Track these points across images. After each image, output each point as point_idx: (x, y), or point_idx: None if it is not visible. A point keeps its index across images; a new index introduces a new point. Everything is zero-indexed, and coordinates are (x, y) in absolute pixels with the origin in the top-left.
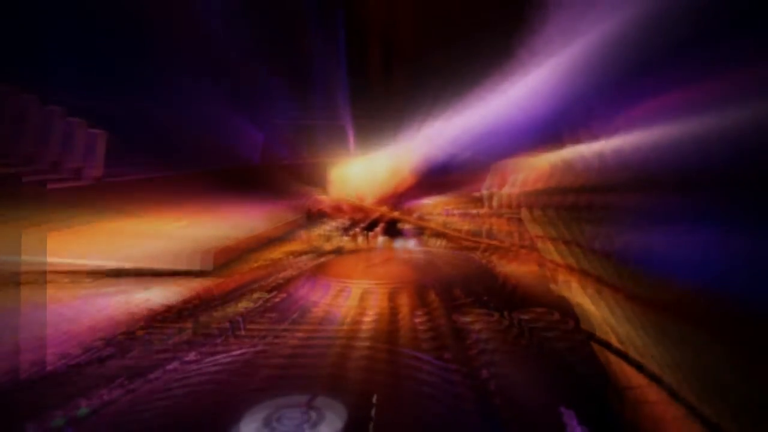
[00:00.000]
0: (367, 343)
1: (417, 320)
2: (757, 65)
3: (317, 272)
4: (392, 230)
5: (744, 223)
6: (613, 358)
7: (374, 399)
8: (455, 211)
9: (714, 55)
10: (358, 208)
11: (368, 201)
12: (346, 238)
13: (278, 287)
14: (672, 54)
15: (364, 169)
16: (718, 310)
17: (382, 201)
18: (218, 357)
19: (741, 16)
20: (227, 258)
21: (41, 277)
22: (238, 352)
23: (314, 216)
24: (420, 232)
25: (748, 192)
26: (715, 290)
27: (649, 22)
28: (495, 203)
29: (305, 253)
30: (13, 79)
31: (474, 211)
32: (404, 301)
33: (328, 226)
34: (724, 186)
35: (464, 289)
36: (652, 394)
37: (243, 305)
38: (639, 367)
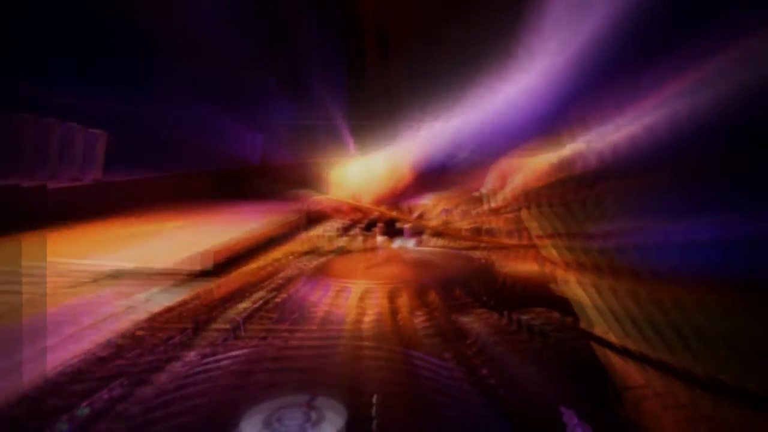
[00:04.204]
0: (367, 343)
1: (417, 320)
2: (752, 56)
3: (317, 272)
4: (392, 230)
5: (743, 212)
6: (613, 357)
7: (374, 399)
8: (455, 211)
9: (710, 50)
10: (357, 208)
11: (367, 201)
12: (345, 238)
13: (278, 288)
14: (668, 49)
15: (363, 169)
16: (721, 301)
17: (382, 201)
18: (218, 357)
19: (736, 8)
20: (227, 258)
21: (41, 278)
22: (239, 352)
23: (314, 216)
24: (420, 231)
25: (746, 182)
26: (717, 280)
27: (646, 18)
28: (495, 202)
29: (305, 253)
30: (12, 79)
31: (474, 211)
32: (404, 301)
33: (327, 227)
34: (724, 178)
35: (464, 289)
36: (653, 392)
37: (243, 306)
38: (640, 363)
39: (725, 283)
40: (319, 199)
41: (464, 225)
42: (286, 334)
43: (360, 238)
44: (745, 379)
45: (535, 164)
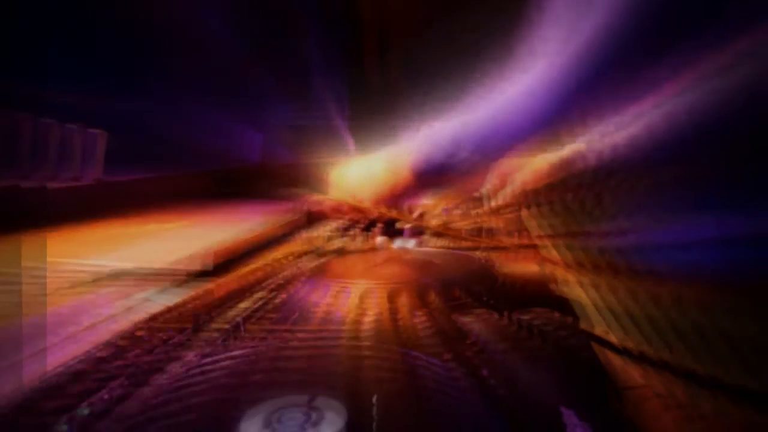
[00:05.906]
0: (367, 343)
1: (417, 320)
2: (752, 58)
3: (317, 273)
4: (392, 230)
5: (742, 214)
6: (613, 357)
7: (374, 399)
8: (455, 211)
9: (711, 51)
10: (357, 209)
11: (368, 201)
12: (345, 239)
13: (278, 288)
14: (669, 50)
15: (363, 169)
16: (721, 300)
17: (382, 201)
18: (219, 357)
19: (738, 10)
20: (227, 258)
21: (42, 278)
22: (239, 352)
23: (314, 216)
24: (420, 232)
25: (746, 181)
26: (716, 279)
27: (646, 18)
28: (495, 202)
29: (305, 253)
30: (12, 78)
31: (474, 211)
32: (404, 301)
33: (327, 227)
34: (724, 177)
35: (464, 289)
36: (653, 392)
37: (243, 306)
38: (639, 364)
39: (725, 282)
40: (319, 199)
41: (464, 225)
42: (286, 334)
43: (360, 239)
44: (745, 378)
45: (535, 164)
